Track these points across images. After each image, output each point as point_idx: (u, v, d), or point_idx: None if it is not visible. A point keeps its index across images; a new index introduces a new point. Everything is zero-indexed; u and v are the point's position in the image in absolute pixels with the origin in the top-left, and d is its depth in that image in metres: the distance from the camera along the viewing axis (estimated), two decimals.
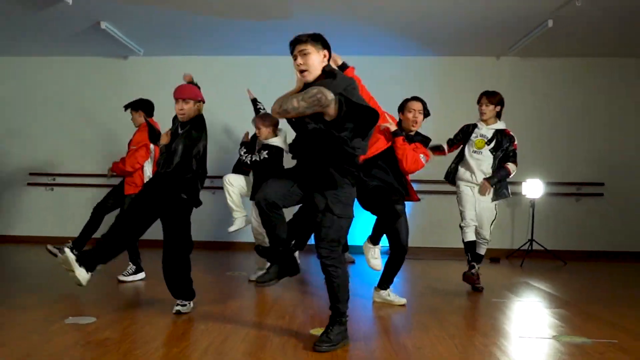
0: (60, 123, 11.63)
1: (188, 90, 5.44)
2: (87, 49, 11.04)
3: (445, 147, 7.40)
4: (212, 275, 7.93)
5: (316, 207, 4.41)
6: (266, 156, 7.17)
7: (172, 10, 8.74)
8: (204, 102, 5.58)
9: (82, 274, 5.12)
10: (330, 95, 4.11)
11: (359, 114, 4.23)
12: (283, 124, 5.73)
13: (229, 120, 11.08)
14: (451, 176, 7.34)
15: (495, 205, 7.09)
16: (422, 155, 5.99)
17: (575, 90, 11.11)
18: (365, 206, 6.03)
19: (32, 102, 11.69)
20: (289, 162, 4.73)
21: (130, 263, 7.46)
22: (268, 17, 9.01)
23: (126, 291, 6.85)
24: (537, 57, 11.07)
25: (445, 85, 11.16)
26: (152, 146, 7.20)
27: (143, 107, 7.54)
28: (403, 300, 6.24)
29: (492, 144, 7.00)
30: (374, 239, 6.10)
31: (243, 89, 11.05)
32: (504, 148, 7.00)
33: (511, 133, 7.08)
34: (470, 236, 7.06)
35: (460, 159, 7.24)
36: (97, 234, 6.69)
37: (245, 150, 7.44)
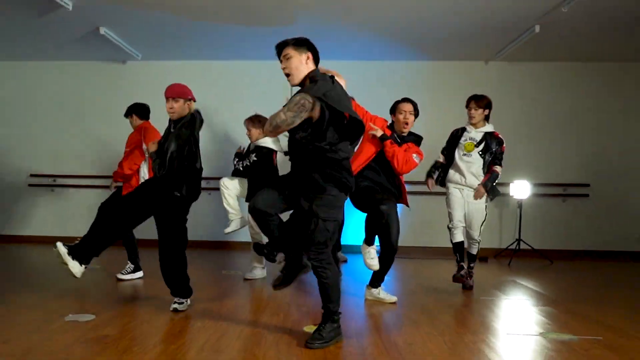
0: (61, 125, 11.61)
1: (177, 89, 5.44)
2: (86, 54, 11.03)
3: (441, 159, 7.36)
4: (208, 274, 7.92)
5: (303, 211, 4.44)
6: (255, 159, 7.24)
7: (170, 15, 8.72)
8: (194, 101, 5.57)
9: (75, 267, 5.17)
10: (311, 98, 4.15)
11: (341, 120, 4.25)
12: None
13: (226, 123, 11.08)
14: (441, 178, 7.34)
15: (485, 206, 7.08)
16: (415, 155, 6.01)
17: (563, 94, 11.13)
18: (357, 205, 6.05)
19: (33, 104, 11.68)
20: (287, 162, 4.72)
21: (128, 262, 7.47)
22: (272, 24, 9.03)
23: (125, 289, 6.84)
24: (524, 62, 11.09)
25: (435, 89, 11.14)
26: (144, 146, 7.20)
27: (135, 110, 7.55)
28: (394, 298, 6.25)
29: (481, 147, 6.98)
30: (368, 240, 6.10)
31: (241, 93, 11.11)
32: (492, 150, 6.97)
33: (500, 136, 7.06)
34: (458, 237, 7.07)
35: (450, 162, 7.23)
36: None
37: (237, 159, 7.57)
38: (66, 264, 5.14)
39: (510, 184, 10.37)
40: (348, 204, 5.64)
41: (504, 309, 6.13)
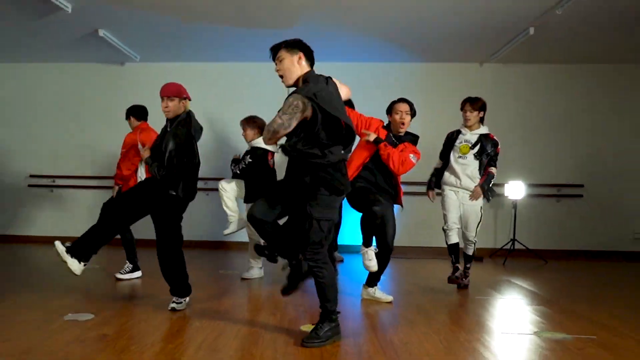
0: (60, 126, 11.60)
1: (172, 88, 5.47)
2: (85, 56, 11.01)
3: (439, 164, 7.33)
4: (205, 273, 7.91)
5: (299, 214, 4.46)
6: (250, 160, 7.26)
7: (168, 17, 8.72)
8: (189, 100, 5.59)
9: (74, 264, 5.21)
10: (303, 98, 4.17)
11: (333, 122, 4.26)
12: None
13: (225, 125, 11.07)
14: (435, 180, 7.34)
15: (481, 208, 7.06)
16: (412, 155, 6.00)
17: (557, 96, 11.14)
18: (353, 205, 6.06)
19: (32, 106, 11.67)
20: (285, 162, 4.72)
21: (127, 261, 7.47)
22: (270, 26, 9.02)
23: (123, 289, 6.84)
24: (519, 64, 11.09)
25: (430, 91, 11.12)
26: (140, 146, 7.22)
27: (132, 112, 7.63)
28: (390, 298, 6.25)
29: (476, 149, 6.97)
30: (365, 242, 6.09)
31: (240, 94, 11.11)
32: (488, 152, 6.96)
33: (495, 137, 7.05)
34: (453, 239, 7.04)
35: (446, 164, 7.22)
36: None
37: (234, 164, 7.63)
38: (65, 262, 5.18)
39: (505, 185, 10.37)
40: (345, 204, 5.64)
41: (498, 308, 6.13)
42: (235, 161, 7.65)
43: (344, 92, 4.75)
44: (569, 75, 11.14)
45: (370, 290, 6.33)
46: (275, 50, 4.52)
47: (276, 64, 4.52)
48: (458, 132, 7.18)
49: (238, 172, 7.42)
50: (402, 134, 6.23)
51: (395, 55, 10.81)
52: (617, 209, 11.05)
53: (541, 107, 11.12)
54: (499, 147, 7.05)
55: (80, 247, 5.28)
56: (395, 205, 6.27)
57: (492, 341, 4.67)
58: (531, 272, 8.91)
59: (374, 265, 6.04)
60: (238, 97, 11.16)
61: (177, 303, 5.54)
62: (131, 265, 7.46)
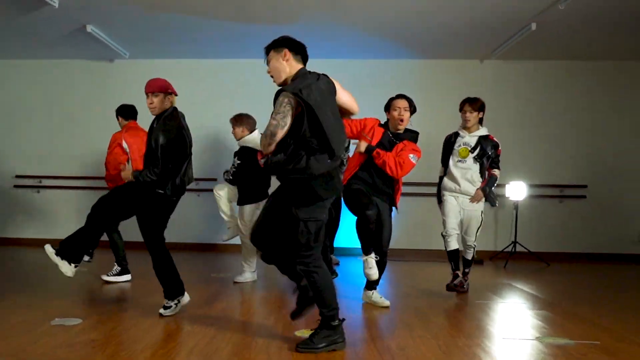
0: (47, 125, 11.57)
1: (156, 84, 5.47)
2: (73, 52, 11.00)
3: (441, 172, 7.26)
4: (197, 276, 7.88)
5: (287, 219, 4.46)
6: (238, 162, 7.29)
7: (158, 12, 8.71)
8: (176, 95, 5.59)
9: (64, 266, 5.28)
10: (288, 94, 4.18)
11: (321, 129, 4.26)
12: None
13: (214, 123, 11.02)
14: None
15: (481, 212, 7.02)
16: (411, 155, 5.98)
17: (558, 93, 11.16)
18: (348, 207, 6.06)
19: (18, 104, 11.64)
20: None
21: (115, 264, 7.47)
22: (265, 22, 9.02)
23: (112, 293, 6.83)
24: (520, 60, 11.11)
25: (428, 88, 11.10)
26: (125, 144, 7.23)
27: (119, 112, 7.70)
28: (386, 303, 6.24)
29: (477, 152, 6.89)
30: (364, 249, 6.08)
31: (232, 92, 11.09)
32: (489, 155, 6.90)
33: (495, 139, 6.98)
34: (453, 245, 6.95)
35: (446, 169, 7.18)
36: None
37: (226, 173, 7.66)
38: (56, 265, 5.24)
39: (506, 185, 10.39)
40: (344, 206, 5.64)
41: (499, 312, 6.14)
42: (227, 172, 7.67)
43: (346, 98, 4.71)
44: (569, 72, 11.17)
45: (369, 293, 6.35)
46: (266, 52, 4.55)
47: (267, 66, 4.55)
48: (456, 134, 7.10)
49: (230, 177, 7.45)
50: (400, 132, 6.21)
51: (392, 52, 10.82)
52: (621, 210, 11.08)
53: (541, 105, 11.14)
54: (500, 148, 6.98)
55: (69, 249, 5.32)
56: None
57: (493, 346, 4.67)
58: (533, 275, 8.93)
59: (374, 273, 6.03)
60: (230, 95, 11.13)
61: (164, 308, 5.50)
62: (119, 268, 7.46)
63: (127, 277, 7.50)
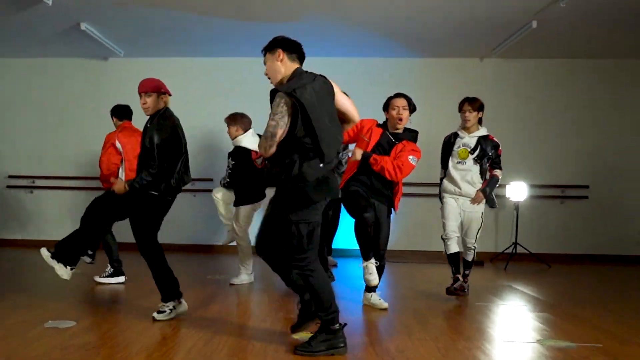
0: (40, 125, 11.57)
1: (149, 84, 5.49)
2: (67, 50, 10.99)
3: (443, 173, 7.23)
4: (192, 278, 7.87)
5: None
6: (233, 162, 7.32)
7: (153, 10, 8.71)
8: (169, 95, 5.60)
9: (60, 269, 5.36)
10: (283, 94, 4.20)
11: (313, 130, 4.25)
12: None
13: (209, 122, 11.01)
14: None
15: (482, 213, 6.97)
16: (410, 157, 5.97)
17: (559, 92, 11.17)
18: (346, 209, 6.06)
19: (11, 103, 11.64)
20: None
21: (108, 265, 7.48)
22: (261, 19, 9.02)
23: (106, 295, 6.83)
24: (520, 59, 11.11)
25: (427, 87, 11.10)
26: (118, 144, 7.25)
27: (114, 112, 7.76)
28: (384, 305, 6.23)
29: (477, 153, 6.82)
30: (364, 255, 6.07)
31: (228, 91, 11.08)
32: (489, 155, 6.84)
33: (495, 139, 6.91)
34: (453, 248, 6.89)
35: (446, 170, 7.14)
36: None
37: (222, 180, 7.69)
38: (53, 268, 5.33)
39: (507, 186, 10.37)
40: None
41: (499, 314, 6.14)
42: (223, 177, 7.69)
43: (346, 103, 4.70)
44: (570, 70, 11.18)
45: (368, 295, 6.36)
46: (263, 54, 4.60)
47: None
48: (455, 135, 7.02)
49: (228, 180, 7.48)
50: (400, 131, 6.20)
51: (391, 51, 10.82)
52: (624, 211, 11.09)
53: (542, 103, 11.15)
54: (500, 148, 6.91)
55: (64, 252, 5.38)
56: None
57: (493, 349, 4.67)
58: (534, 277, 8.94)
59: (374, 279, 6.03)
60: (225, 94, 11.12)
61: (159, 312, 5.48)
62: (112, 269, 7.47)
63: (121, 278, 7.49)
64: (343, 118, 4.67)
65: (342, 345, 4.42)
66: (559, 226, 11.08)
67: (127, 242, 7.36)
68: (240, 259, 7.64)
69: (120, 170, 7.32)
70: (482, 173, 6.88)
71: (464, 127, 6.94)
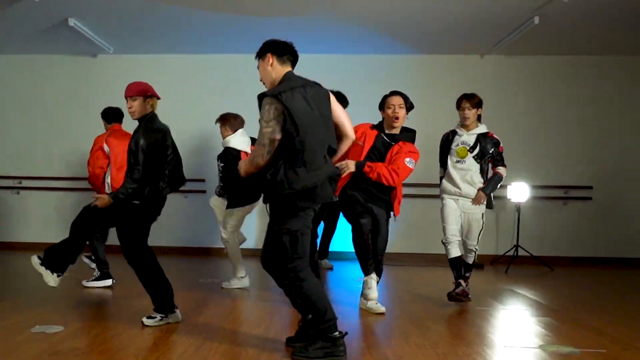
0: (27, 124, 11.54)
1: (134, 87, 5.49)
2: (54, 47, 10.97)
3: (442, 172, 7.20)
4: (184, 282, 7.86)
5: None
6: (222, 164, 7.34)
7: (143, 5, 8.69)
8: (157, 98, 5.60)
9: (48, 276, 5.42)
10: (270, 98, 4.24)
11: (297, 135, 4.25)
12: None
13: (202, 121, 10.99)
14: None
15: (483, 215, 6.88)
16: (407, 160, 5.97)
17: (561, 90, 11.17)
18: (343, 214, 6.07)
19: None
20: None
21: (96, 269, 7.48)
22: (256, 13, 9.00)
23: (95, 299, 6.81)
24: (521, 56, 11.11)
25: (426, 85, 11.10)
26: (106, 147, 7.26)
27: (103, 115, 7.80)
28: (382, 309, 6.21)
29: (476, 151, 6.73)
30: (363, 268, 6.07)
31: (217, 88, 11.05)
32: (490, 153, 6.75)
33: (495, 136, 6.83)
34: (454, 252, 6.82)
35: (445, 170, 7.10)
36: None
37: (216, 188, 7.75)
38: (41, 274, 5.41)
39: (508, 187, 10.35)
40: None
41: (500, 319, 6.15)
42: (217, 186, 7.71)
43: (341, 116, 4.71)
44: (572, 67, 11.18)
45: (364, 300, 6.35)
46: (257, 61, 4.66)
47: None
48: (453, 133, 6.93)
49: (221, 184, 7.51)
50: (396, 131, 6.19)
51: (387, 47, 10.80)
52: (628, 213, 11.10)
53: (543, 101, 11.15)
54: (501, 145, 6.82)
55: (53, 259, 5.44)
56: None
57: (494, 355, 4.67)
58: (536, 281, 8.94)
59: (372, 293, 6.05)
60: (221, 92, 11.10)
61: (148, 317, 5.45)
62: (99, 273, 7.49)
63: (108, 282, 7.50)
64: (336, 132, 4.67)
65: (342, 354, 4.37)
66: (562, 228, 11.08)
67: (114, 245, 7.39)
68: (231, 263, 7.64)
69: (107, 174, 7.35)
70: (483, 172, 6.83)
71: (463, 125, 6.85)
